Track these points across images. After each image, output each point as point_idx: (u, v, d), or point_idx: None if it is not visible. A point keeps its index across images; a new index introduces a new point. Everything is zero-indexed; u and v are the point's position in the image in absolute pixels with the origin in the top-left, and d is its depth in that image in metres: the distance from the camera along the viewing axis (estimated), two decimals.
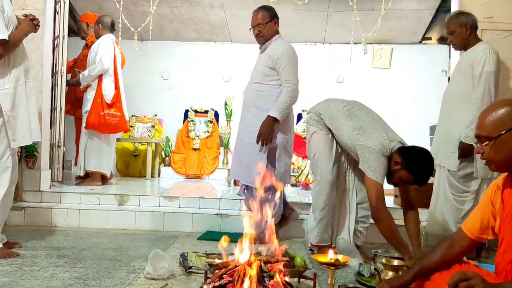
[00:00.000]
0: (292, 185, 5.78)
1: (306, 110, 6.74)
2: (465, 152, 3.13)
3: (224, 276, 1.84)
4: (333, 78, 7.09)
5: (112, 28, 5.01)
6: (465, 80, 3.22)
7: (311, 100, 6.77)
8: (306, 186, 5.61)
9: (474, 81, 3.15)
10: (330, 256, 1.82)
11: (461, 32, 3.29)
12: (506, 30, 3.81)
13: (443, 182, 3.31)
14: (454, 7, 4.13)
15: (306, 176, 6.19)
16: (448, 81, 3.60)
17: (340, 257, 1.84)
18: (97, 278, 2.49)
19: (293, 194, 4.87)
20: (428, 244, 3.56)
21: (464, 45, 3.35)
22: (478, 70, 3.13)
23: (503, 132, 1.58)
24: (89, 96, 4.89)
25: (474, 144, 1.72)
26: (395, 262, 2.24)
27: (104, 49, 4.85)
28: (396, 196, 4.31)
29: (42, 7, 4.26)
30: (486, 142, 1.62)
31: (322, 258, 1.83)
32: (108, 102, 4.86)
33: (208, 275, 2.09)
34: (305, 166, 6.29)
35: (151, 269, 2.49)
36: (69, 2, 4.93)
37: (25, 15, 3.05)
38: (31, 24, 3.01)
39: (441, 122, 3.42)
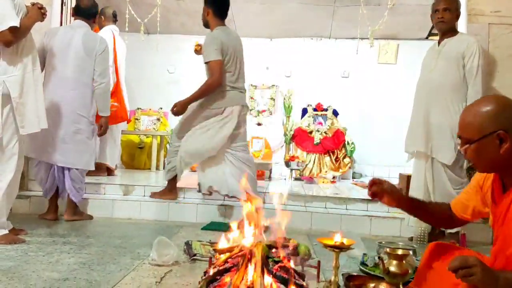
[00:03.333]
0: (296, 179, 5.79)
1: (311, 105, 6.79)
2: None
3: (229, 260, 1.85)
4: (339, 73, 7.08)
5: (114, 18, 5.02)
6: (455, 70, 3.19)
7: (317, 94, 6.87)
8: (310, 180, 5.61)
9: (469, 73, 3.14)
10: (336, 239, 1.83)
11: (454, 14, 3.30)
12: None
13: (438, 176, 3.25)
14: (462, 2, 4.10)
15: (311, 171, 6.19)
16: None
17: (345, 240, 1.84)
18: (102, 264, 2.51)
19: (297, 188, 4.88)
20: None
21: (449, 27, 3.33)
22: (474, 63, 3.13)
23: (484, 135, 1.52)
24: None
25: (457, 144, 1.70)
26: (399, 251, 2.23)
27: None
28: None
29: None
30: (467, 145, 1.57)
31: (327, 241, 1.83)
32: None
33: (212, 262, 2.10)
34: (310, 160, 6.29)
35: (155, 255, 2.51)
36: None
37: (33, 4, 3.07)
38: (39, 12, 3.04)
39: (425, 112, 3.32)
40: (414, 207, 1.95)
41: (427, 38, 6.77)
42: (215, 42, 3.72)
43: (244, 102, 3.97)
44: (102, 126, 3.80)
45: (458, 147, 1.64)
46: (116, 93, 4.92)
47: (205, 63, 3.80)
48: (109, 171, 5.08)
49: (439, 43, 3.43)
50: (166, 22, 6.65)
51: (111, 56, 4.82)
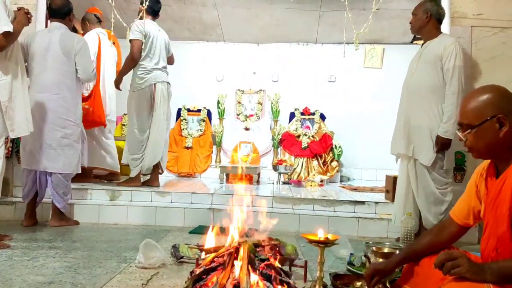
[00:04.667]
0: (284, 183, 5.80)
1: (298, 109, 6.82)
2: (444, 147, 3.16)
3: (215, 259, 1.85)
4: (325, 78, 7.12)
5: (98, 20, 5.00)
6: (433, 72, 3.22)
7: (304, 99, 6.90)
8: (298, 183, 5.62)
9: (446, 75, 3.18)
10: (320, 234, 1.84)
11: (421, 18, 3.36)
12: (495, 27, 3.86)
13: (421, 176, 3.27)
14: (445, 5, 4.17)
15: (299, 174, 6.20)
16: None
17: (330, 236, 1.85)
18: (87, 267, 2.49)
19: (285, 192, 4.89)
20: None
21: (420, 30, 3.41)
22: (450, 64, 3.16)
23: (485, 120, 1.58)
24: None
25: (457, 132, 1.71)
26: (385, 250, 2.25)
27: (90, 44, 4.86)
28: (387, 191, 4.34)
29: (34, 2, 4.26)
30: (469, 130, 1.62)
31: (311, 237, 1.84)
32: (85, 95, 4.69)
33: (199, 262, 2.09)
34: (297, 164, 6.31)
35: (142, 258, 2.49)
36: None
37: (19, 8, 3.08)
38: (26, 17, 3.05)
39: (406, 114, 3.36)
40: (412, 257, 1.87)
41: (412, 42, 6.85)
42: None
43: None
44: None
45: (458, 135, 1.68)
46: (92, 96, 4.78)
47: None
48: (112, 176, 5.06)
49: (422, 46, 3.48)
50: None
51: (94, 58, 4.76)
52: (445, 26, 3.93)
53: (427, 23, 3.34)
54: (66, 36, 3.71)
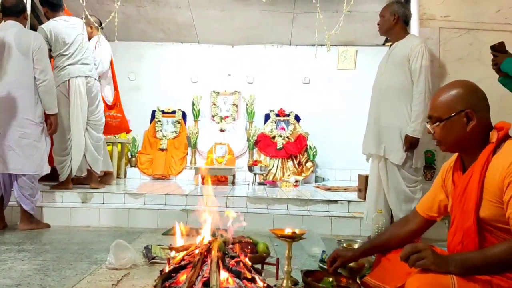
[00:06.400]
0: (260, 183, 5.81)
1: (273, 110, 6.85)
2: (413, 146, 3.22)
3: (186, 257, 1.85)
4: (300, 79, 7.19)
5: (101, 26, 4.98)
6: (401, 73, 3.29)
7: (279, 100, 6.94)
8: (273, 184, 5.65)
9: (413, 75, 3.24)
10: (287, 230, 1.85)
11: (388, 19, 3.43)
12: (462, 28, 3.95)
13: (392, 175, 3.32)
14: (414, 7, 4.26)
15: (274, 175, 6.23)
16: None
17: (297, 230, 1.87)
18: (57, 269, 2.45)
19: (260, 192, 4.90)
20: None
21: (388, 32, 3.48)
22: (417, 64, 3.23)
23: (453, 114, 1.62)
24: None
25: (426, 124, 1.75)
26: (355, 246, 2.28)
27: (105, 51, 4.94)
28: (360, 190, 4.40)
29: None
30: (437, 123, 1.67)
31: (279, 232, 1.85)
32: (109, 103, 4.88)
33: (170, 262, 2.08)
34: (273, 165, 6.33)
35: (113, 258, 2.47)
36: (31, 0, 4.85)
37: None
38: None
39: (376, 114, 3.42)
40: (377, 246, 1.94)
41: (384, 44, 6.95)
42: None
43: None
44: (52, 124, 3.70)
45: (428, 127, 1.71)
46: (117, 104, 4.98)
47: None
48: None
49: (390, 47, 3.55)
50: (126, 29, 6.60)
51: (110, 68, 4.90)
52: (414, 28, 4.02)
53: (394, 25, 3.41)
54: (21, 34, 3.59)
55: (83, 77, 4.38)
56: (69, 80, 4.31)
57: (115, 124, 4.95)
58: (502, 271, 1.45)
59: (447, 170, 1.80)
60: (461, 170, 1.72)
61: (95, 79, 4.52)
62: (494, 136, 1.60)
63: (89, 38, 4.94)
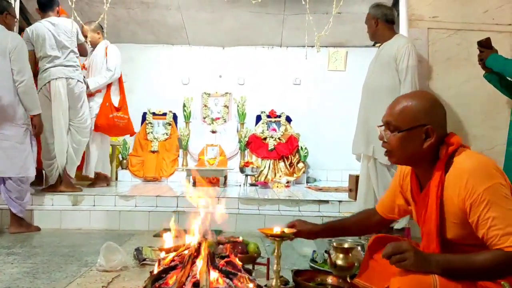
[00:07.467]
0: (251, 185, 5.82)
1: (264, 112, 6.86)
2: None
3: (175, 258, 1.85)
4: (291, 81, 7.20)
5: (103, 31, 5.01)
6: (389, 73, 3.33)
7: (270, 101, 6.95)
8: (264, 185, 5.66)
9: (400, 75, 3.28)
10: (276, 229, 1.86)
11: (371, 25, 3.51)
12: (450, 29, 3.99)
13: (382, 174, 3.34)
14: (402, 8, 4.29)
15: (266, 176, 6.24)
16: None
17: (286, 230, 1.88)
18: (47, 272, 2.44)
19: (252, 193, 4.91)
20: None
21: (375, 36, 3.54)
22: (404, 64, 3.26)
23: (414, 126, 1.53)
24: (97, 100, 4.93)
25: (377, 128, 1.69)
26: (346, 245, 2.29)
27: (117, 57, 5.04)
28: (350, 190, 4.42)
29: None
30: (395, 133, 1.58)
31: (268, 231, 1.86)
32: (116, 105, 4.97)
33: (160, 263, 2.08)
34: (264, 166, 6.34)
35: (103, 260, 2.46)
36: (20, 1, 4.82)
37: None
38: None
39: (365, 115, 3.45)
40: (336, 229, 2.01)
41: (374, 45, 6.99)
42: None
43: None
44: (36, 125, 3.64)
45: (381, 133, 1.63)
46: (123, 106, 5.07)
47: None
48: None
49: (379, 47, 3.58)
50: (116, 31, 6.57)
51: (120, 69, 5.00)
52: (403, 29, 4.06)
53: (377, 28, 3.46)
54: None
55: (64, 78, 4.35)
56: (49, 82, 4.31)
57: (122, 125, 5.00)
58: (482, 279, 1.41)
59: (404, 176, 1.77)
60: (418, 187, 1.67)
61: (78, 80, 4.45)
62: (442, 152, 1.54)
63: (97, 43, 5.02)
